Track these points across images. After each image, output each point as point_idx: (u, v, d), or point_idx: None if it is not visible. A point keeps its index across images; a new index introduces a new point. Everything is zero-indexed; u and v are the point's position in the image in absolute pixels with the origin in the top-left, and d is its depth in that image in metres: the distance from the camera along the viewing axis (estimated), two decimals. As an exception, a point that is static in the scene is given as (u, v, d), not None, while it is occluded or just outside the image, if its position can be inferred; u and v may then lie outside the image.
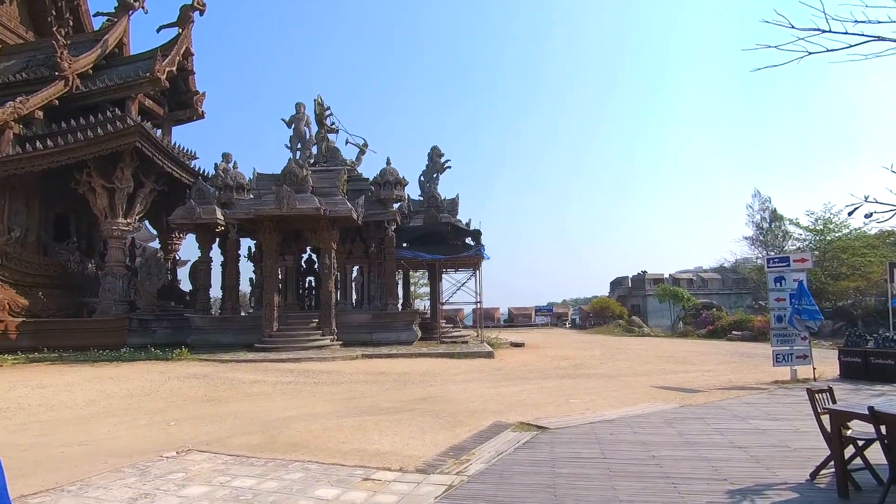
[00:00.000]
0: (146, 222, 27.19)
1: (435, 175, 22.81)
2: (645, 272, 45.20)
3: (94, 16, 27.89)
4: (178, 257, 28.24)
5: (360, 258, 21.12)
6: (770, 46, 3.90)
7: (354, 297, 21.67)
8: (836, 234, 31.11)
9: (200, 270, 22.10)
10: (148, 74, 22.94)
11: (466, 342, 20.28)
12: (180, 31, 25.55)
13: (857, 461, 4.23)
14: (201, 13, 26.75)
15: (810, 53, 3.84)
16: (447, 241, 21.68)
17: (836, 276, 29.31)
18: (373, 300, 20.64)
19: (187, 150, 25.88)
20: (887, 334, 11.42)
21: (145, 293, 21.32)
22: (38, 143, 19.85)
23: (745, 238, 42.28)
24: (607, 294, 50.06)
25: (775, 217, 39.91)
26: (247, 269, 27.68)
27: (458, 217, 22.30)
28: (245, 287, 25.21)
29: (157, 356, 15.86)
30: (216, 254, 22.40)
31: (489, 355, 16.49)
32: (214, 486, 4.71)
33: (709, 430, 6.42)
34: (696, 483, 4.39)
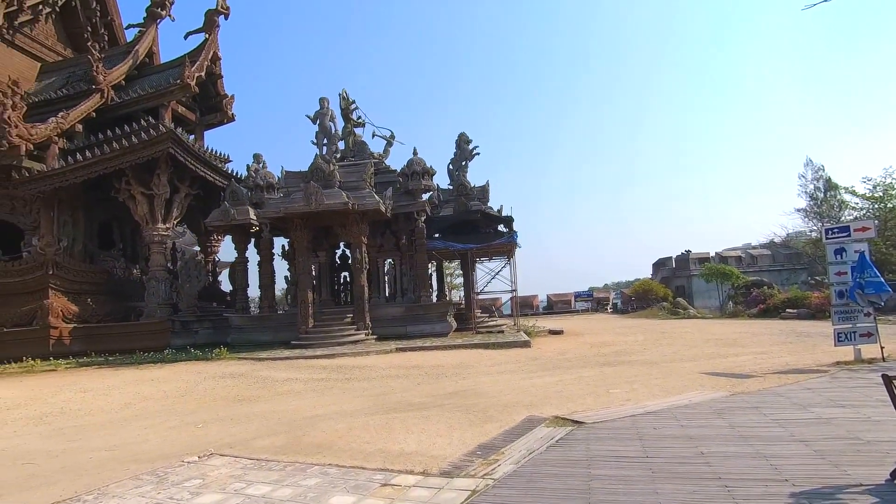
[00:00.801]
0: (185, 226, 27.95)
1: (464, 163, 22.32)
2: (689, 251, 43.34)
3: (126, 28, 28.62)
4: (217, 259, 28.89)
5: (391, 251, 20.95)
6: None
7: (388, 290, 21.55)
8: (899, 200, 28.91)
9: (238, 271, 22.52)
10: (178, 81, 23.36)
11: (502, 331, 19.84)
12: (207, 36, 25.89)
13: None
14: (226, 17, 27.04)
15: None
16: (479, 230, 21.22)
17: (900, 246, 27.29)
18: (406, 293, 20.46)
19: (220, 154, 26.29)
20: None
21: (186, 295, 21.85)
22: (78, 156, 20.52)
23: (798, 210, 39.74)
24: (650, 276, 48.37)
25: (830, 186, 37.36)
26: (282, 268, 28.04)
27: (489, 204, 21.79)
28: (281, 285, 25.54)
29: (197, 356, 16.17)
30: (252, 254, 22.75)
31: (525, 344, 16.02)
32: (228, 493, 4.51)
33: (765, 420, 5.80)
34: (753, 485, 3.86)
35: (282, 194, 19.78)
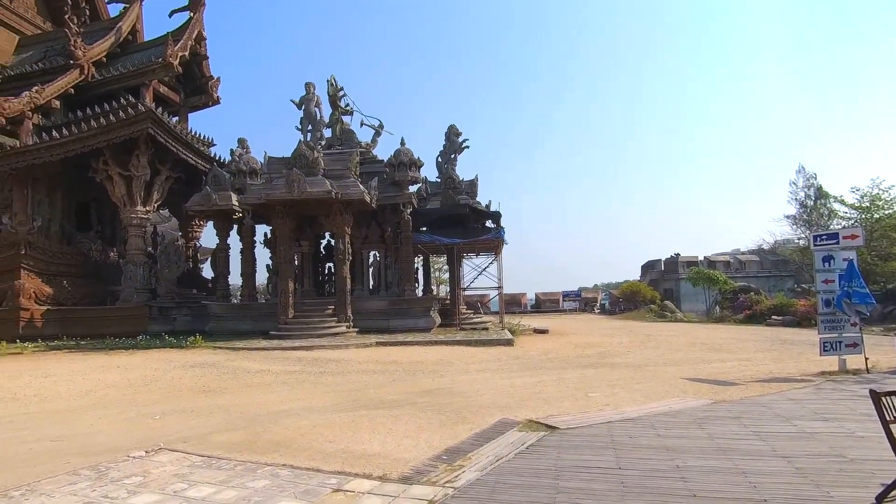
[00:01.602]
0: (167, 210, 27.32)
1: (453, 155, 21.97)
2: (678, 255, 43.36)
3: (109, 3, 27.83)
4: (198, 245, 28.30)
5: (376, 243, 20.56)
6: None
7: (372, 283, 21.17)
8: (886, 212, 28.97)
9: (219, 258, 21.99)
10: (160, 60, 22.69)
11: (487, 329, 19.56)
12: (192, 15, 25.18)
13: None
14: (216, -3, 26.38)
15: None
16: (466, 224, 20.91)
17: (885, 257, 27.36)
18: (390, 286, 20.09)
19: (205, 137, 25.67)
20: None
21: (165, 281, 21.33)
22: (54, 133, 19.88)
23: (787, 217, 39.81)
24: (638, 278, 48.37)
25: (821, 194, 37.42)
26: (265, 256, 27.51)
27: (477, 199, 21.47)
28: (264, 273, 25.04)
29: (171, 344, 15.72)
30: (235, 241, 22.25)
31: (509, 343, 15.74)
32: (167, 494, 4.16)
33: (745, 432, 5.55)
34: (730, 505, 3.58)
35: (264, 180, 19.29)
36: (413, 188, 20.16)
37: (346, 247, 18.14)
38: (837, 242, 10.31)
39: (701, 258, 42.22)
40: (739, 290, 31.62)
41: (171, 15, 25.20)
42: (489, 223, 21.03)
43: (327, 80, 22.10)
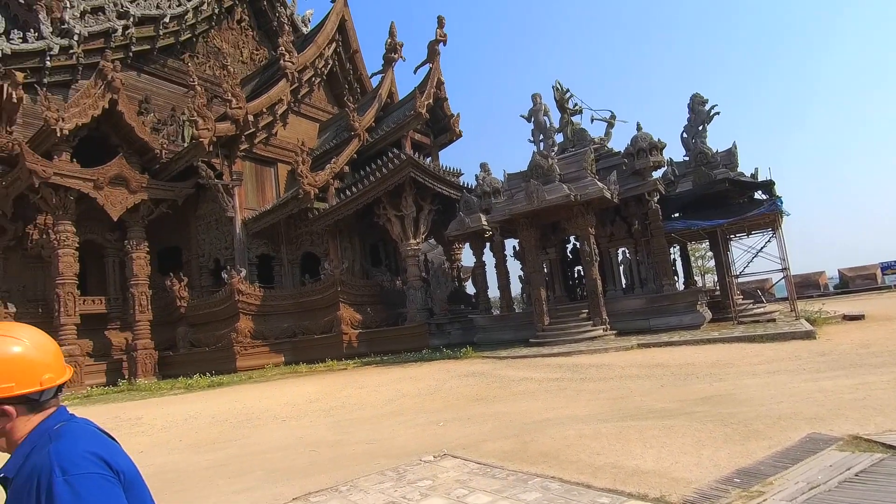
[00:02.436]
0: (432, 239, 31.33)
1: (700, 127, 19.39)
2: None
3: (371, 76, 33.89)
4: (461, 265, 31.56)
5: (623, 239, 19.47)
6: None
7: (624, 281, 20.07)
8: None
9: (477, 274, 24.14)
10: (412, 112, 26.47)
11: (774, 320, 16.35)
12: (430, 65, 28.72)
13: None
14: (444, 44, 29.51)
15: None
16: (728, 202, 18.08)
17: None
18: (645, 283, 18.69)
19: (453, 169, 28.75)
20: None
21: (437, 300, 24.39)
22: (347, 192, 24.99)
23: None
24: None
25: None
26: (516, 268, 28.91)
27: (739, 170, 18.41)
28: (517, 284, 26.34)
29: (448, 356, 17.75)
30: (489, 257, 24.14)
31: (808, 335, 12.82)
32: (451, 499, 4.62)
33: None
34: None
35: (506, 197, 20.36)
36: (657, 173, 18.49)
37: (591, 247, 17.69)
38: None
39: None
40: None
41: (415, 71, 29.32)
42: (759, 195, 17.75)
43: (552, 87, 22.27)
